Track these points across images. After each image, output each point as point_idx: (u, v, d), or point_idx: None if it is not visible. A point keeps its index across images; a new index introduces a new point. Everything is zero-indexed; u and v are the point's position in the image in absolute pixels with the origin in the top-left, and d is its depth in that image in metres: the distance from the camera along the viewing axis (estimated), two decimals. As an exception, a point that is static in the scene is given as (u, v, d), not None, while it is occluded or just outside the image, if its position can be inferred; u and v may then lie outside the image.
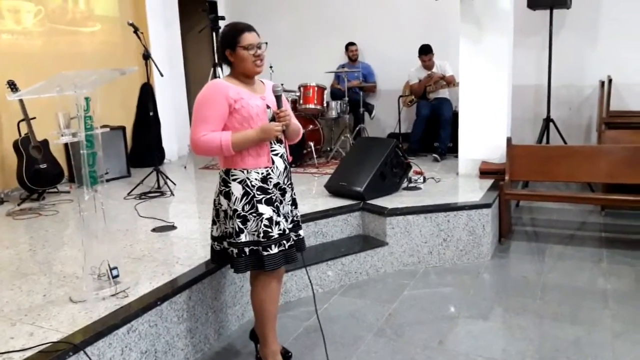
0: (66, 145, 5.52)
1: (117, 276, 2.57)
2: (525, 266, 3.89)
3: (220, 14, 6.10)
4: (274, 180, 2.41)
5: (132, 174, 5.70)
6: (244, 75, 2.39)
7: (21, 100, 4.66)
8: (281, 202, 2.44)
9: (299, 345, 2.82)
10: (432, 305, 3.29)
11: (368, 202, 4.01)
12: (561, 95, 5.86)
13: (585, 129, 5.95)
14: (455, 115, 5.64)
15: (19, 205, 4.61)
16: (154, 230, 3.64)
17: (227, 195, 2.37)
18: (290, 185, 2.51)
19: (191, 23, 7.21)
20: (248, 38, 2.32)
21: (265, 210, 2.35)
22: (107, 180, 2.65)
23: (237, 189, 2.35)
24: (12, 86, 4.69)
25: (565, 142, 5.40)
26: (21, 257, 3.27)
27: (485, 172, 4.79)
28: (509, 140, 4.54)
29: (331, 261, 3.54)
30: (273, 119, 2.41)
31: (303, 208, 3.92)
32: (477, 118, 4.90)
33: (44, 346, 2.07)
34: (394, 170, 4.29)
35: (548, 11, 5.33)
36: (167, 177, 4.94)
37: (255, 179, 2.36)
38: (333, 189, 4.27)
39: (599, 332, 2.88)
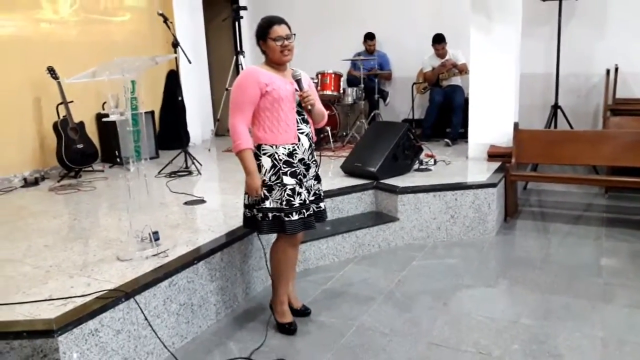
0: (100, 126, 5.94)
1: (158, 239, 2.91)
2: (528, 242, 4.17)
3: (242, 4, 6.40)
4: (299, 156, 2.72)
5: (160, 156, 6.07)
6: (275, 63, 2.70)
7: (60, 85, 5.05)
8: (305, 176, 2.75)
9: (317, 304, 3.16)
10: (438, 274, 3.60)
11: (381, 181, 4.31)
12: (570, 83, 6.07)
13: (592, 115, 6.16)
14: (467, 102, 5.88)
15: (58, 181, 5.01)
16: (186, 203, 4.00)
17: (258, 168, 2.68)
18: (314, 162, 2.83)
19: (214, 12, 7.52)
20: (277, 31, 2.62)
21: (289, 182, 2.67)
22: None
23: (266, 162, 2.66)
24: (52, 72, 5.07)
25: (572, 128, 5.63)
26: (68, 225, 3.66)
27: (493, 155, 5.06)
28: (515, 125, 4.80)
29: (346, 234, 3.86)
30: (300, 103, 2.73)
31: (321, 186, 4.24)
32: (486, 104, 5.16)
33: (100, 293, 2.43)
34: (406, 152, 4.58)
35: (557, 2, 5.54)
36: (193, 158, 5.29)
37: (283, 154, 2.67)
38: (348, 169, 4.58)
39: (590, 298, 3.15)
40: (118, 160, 2.93)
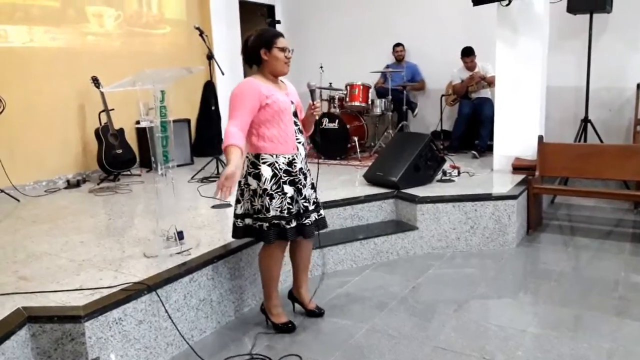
0: (139, 133, 6.26)
1: (182, 238, 3.12)
2: (547, 255, 4.18)
3: (277, 17, 6.62)
4: (298, 165, 2.82)
5: (194, 162, 6.35)
6: (273, 74, 2.78)
7: (102, 94, 5.38)
8: (304, 185, 2.84)
9: (331, 305, 3.28)
10: (453, 282, 3.67)
11: (402, 190, 4.41)
12: (602, 97, 6.02)
13: (625, 130, 6.07)
14: (495, 114, 5.92)
15: (98, 184, 5.33)
16: (213, 207, 4.21)
17: (257, 176, 2.73)
18: (308, 170, 2.93)
19: (250, 26, 7.78)
20: (283, 42, 2.74)
21: (289, 190, 2.77)
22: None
23: (266, 171, 2.72)
24: (95, 81, 5.41)
25: (602, 142, 5.59)
26: (103, 224, 3.92)
27: (518, 167, 5.07)
28: (540, 138, 4.82)
29: (364, 240, 3.98)
30: (295, 113, 2.85)
31: (342, 194, 4.40)
32: (512, 117, 5.19)
33: (125, 285, 2.63)
34: (428, 163, 4.66)
35: (588, 16, 5.53)
36: (225, 165, 5.51)
37: (283, 163, 2.76)
38: (370, 178, 4.70)
39: (603, 311, 3.16)
40: (154, 165, 3.14)
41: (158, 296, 2.66)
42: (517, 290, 3.55)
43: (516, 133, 5.17)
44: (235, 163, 2.56)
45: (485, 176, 5.13)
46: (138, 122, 3.44)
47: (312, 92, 2.85)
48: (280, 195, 2.75)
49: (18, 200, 4.71)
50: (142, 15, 6.40)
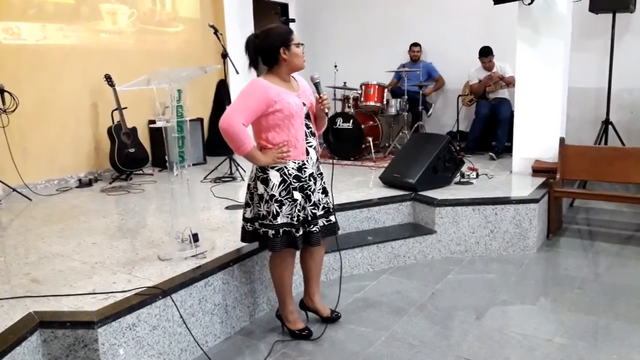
0: (151, 132, 6.19)
1: (197, 240, 3.04)
2: (569, 260, 4.06)
3: (290, 16, 6.53)
4: (309, 170, 2.71)
5: (207, 161, 6.29)
6: (289, 72, 2.68)
7: (115, 92, 5.32)
8: (313, 191, 2.73)
9: (348, 310, 3.20)
10: (474, 288, 3.56)
11: (419, 193, 4.31)
12: (623, 98, 5.88)
13: (648, 132, 5.94)
14: (513, 115, 5.78)
15: (110, 183, 5.27)
16: (227, 208, 4.14)
17: (265, 181, 2.64)
18: (320, 175, 2.82)
19: (265, 25, 7.69)
20: (296, 37, 2.67)
21: (298, 197, 2.66)
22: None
23: (275, 176, 2.62)
24: (109, 80, 5.36)
25: (623, 145, 5.45)
26: (116, 225, 3.86)
27: (538, 170, 4.95)
28: (561, 140, 4.70)
29: (381, 244, 3.88)
30: (307, 115, 2.75)
31: (358, 196, 4.31)
32: (532, 118, 5.06)
33: (139, 289, 2.56)
34: (447, 165, 4.56)
35: (611, 15, 5.39)
36: (238, 165, 5.45)
37: (292, 168, 2.66)
38: (387, 180, 4.60)
39: (631, 320, 3.05)
40: (167, 165, 3.06)
41: (173, 301, 2.59)
42: (540, 297, 3.43)
43: (536, 135, 5.05)
44: (264, 157, 2.62)
45: (504, 178, 5.01)
46: (153, 122, 3.38)
47: (316, 85, 2.76)
48: (290, 202, 2.65)
49: (30, 199, 4.66)
50: (156, 13, 6.34)
